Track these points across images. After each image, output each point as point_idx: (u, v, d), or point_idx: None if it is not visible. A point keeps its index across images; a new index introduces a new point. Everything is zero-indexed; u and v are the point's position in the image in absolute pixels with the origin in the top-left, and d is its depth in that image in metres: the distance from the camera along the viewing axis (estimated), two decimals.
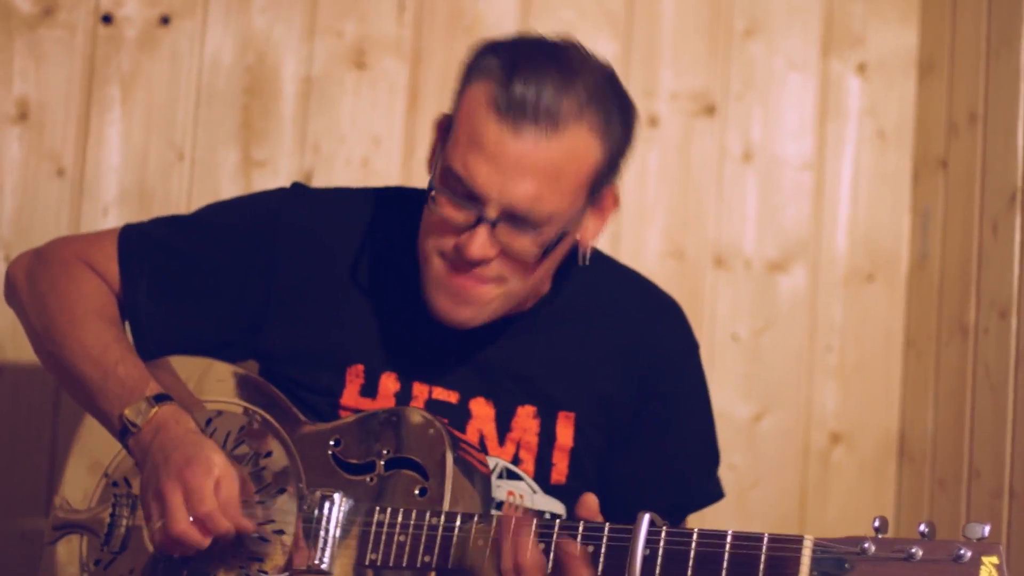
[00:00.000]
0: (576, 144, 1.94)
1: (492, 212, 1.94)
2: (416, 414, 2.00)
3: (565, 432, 2.14)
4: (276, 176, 2.88)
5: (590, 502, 1.88)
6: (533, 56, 1.95)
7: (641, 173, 2.96)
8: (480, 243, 1.95)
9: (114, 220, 2.82)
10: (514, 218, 1.95)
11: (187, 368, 2.18)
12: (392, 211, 2.18)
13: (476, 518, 1.89)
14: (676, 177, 2.98)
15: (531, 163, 1.92)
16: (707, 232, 2.97)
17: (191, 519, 1.91)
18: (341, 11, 2.93)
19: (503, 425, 2.12)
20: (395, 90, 2.93)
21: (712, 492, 2.24)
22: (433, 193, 1.98)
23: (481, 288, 2.00)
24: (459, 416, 2.11)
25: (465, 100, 1.98)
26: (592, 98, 1.94)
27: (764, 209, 2.99)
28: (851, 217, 3.00)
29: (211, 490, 1.91)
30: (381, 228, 2.17)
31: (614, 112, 1.97)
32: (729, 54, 2.99)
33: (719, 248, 2.97)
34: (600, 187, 2.01)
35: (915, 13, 3.01)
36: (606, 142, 1.96)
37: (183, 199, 2.86)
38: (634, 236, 2.95)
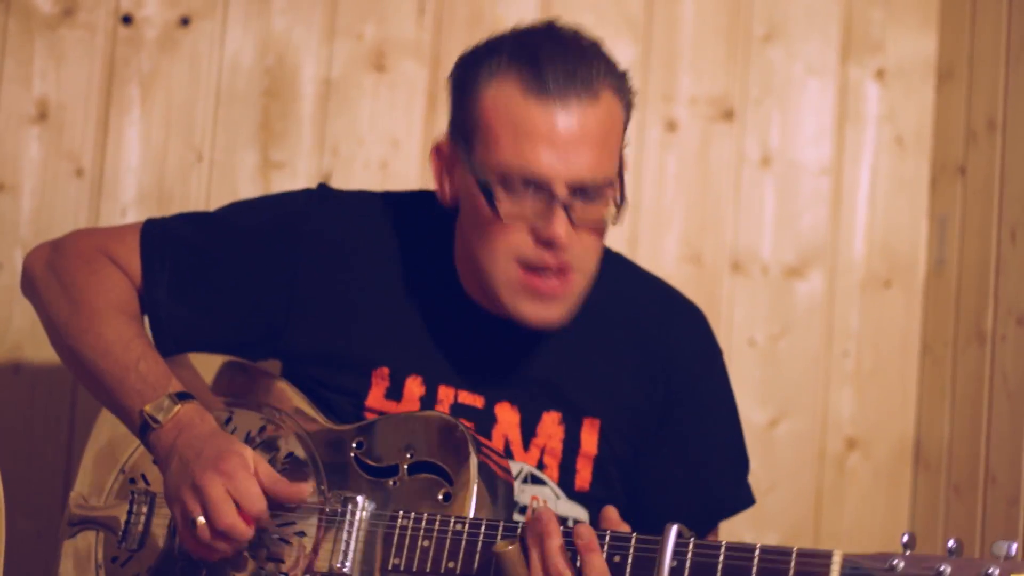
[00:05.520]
0: (609, 106, 2.00)
1: (561, 191, 1.97)
2: (440, 418, 2.00)
3: (590, 439, 2.14)
4: (294, 178, 2.88)
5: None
6: (541, 40, 2.01)
7: (659, 178, 2.96)
8: (563, 223, 1.97)
9: (132, 220, 2.80)
10: (582, 191, 1.98)
11: (206, 366, 2.17)
12: (417, 214, 2.19)
13: (501, 525, 1.88)
14: (694, 182, 2.97)
15: (585, 133, 1.97)
16: (724, 237, 2.97)
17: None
18: (361, 13, 2.92)
19: (528, 430, 2.12)
20: (414, 93, 2.93)
21: (743, 498, 2.24)
22: (493, 201, 1.98)
23: (568, 279, 2.02)
24: (485, 421, 2.11)
25: (486, 104, 1.99)
26: (605, 63, 2.01)
27: (781, 214, 2.98)
28: (869, 223, 2.99)
29: (257, 484, 1.91)
30: (407, 231, 2.18)
31: (620, 74, 2.04)
32: (748, 59, 2.99)
33: (736, 253, 2.97)
34: (623, 148, 2.06)
35: (934, 19, 3.00)
36: (623, 101, 2.03)
37: (202, 200, 2.85)
38: (651, 241, 2.95)
